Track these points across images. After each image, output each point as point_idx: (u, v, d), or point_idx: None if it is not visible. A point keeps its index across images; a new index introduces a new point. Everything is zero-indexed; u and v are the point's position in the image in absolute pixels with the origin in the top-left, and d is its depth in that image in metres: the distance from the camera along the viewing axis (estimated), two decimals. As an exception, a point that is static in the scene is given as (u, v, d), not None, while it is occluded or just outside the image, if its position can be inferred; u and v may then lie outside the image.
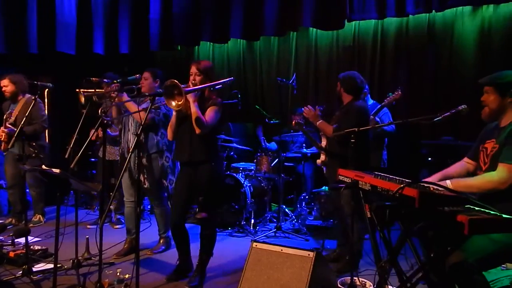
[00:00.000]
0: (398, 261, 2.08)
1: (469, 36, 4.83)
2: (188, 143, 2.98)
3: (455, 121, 4.64)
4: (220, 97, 3.07)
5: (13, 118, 4.36)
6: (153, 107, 3.42)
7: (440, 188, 1.82)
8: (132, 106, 3.44)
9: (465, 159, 2.44)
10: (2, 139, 4.35)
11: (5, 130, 4.28)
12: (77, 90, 3.34)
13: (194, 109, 2.85)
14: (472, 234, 1.54)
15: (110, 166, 4.51)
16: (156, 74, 3.64)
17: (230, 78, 3.17)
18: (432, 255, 1.92)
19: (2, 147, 4.43)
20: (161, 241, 3.84)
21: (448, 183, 2.14)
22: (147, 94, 3.45)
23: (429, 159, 4.29)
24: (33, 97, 4.59)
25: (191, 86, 2.99)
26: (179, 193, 3.09)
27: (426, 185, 1.88)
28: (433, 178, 2.31)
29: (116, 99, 3.37)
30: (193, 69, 3.00)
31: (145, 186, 3.59)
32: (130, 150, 3.01)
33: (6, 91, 4.46)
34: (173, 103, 2.71)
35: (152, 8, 5.86)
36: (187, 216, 3.19)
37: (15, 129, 4.24)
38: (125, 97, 3.43)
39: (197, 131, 2.89)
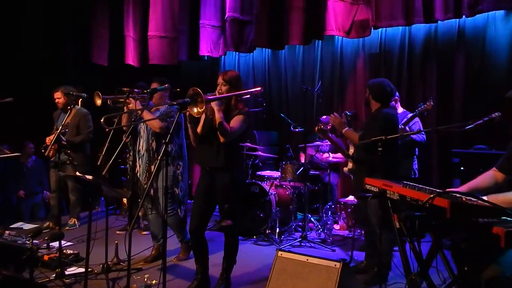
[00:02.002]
0: (429, 274, 2.02)
1: (502, 41, 4.68)
2: (210, 150, 3.01)
3: (489, 129, 4.48)
4: (246, 107, 3.09)
5: (63, 130, 4.53)
6: (165, 115, 3.49)
7: (473, 199, 1.76)
8: (154, 123, 3.50)
9: (493, 170, 2.34)
10: (51, 146, 4.53)
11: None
12: (96, 92, 3.46)
13: (218, 117, 2.88)
14: (509, 247, 1.48)
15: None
16: (164, 83, 3.65)
17: (257, 89, 3.18)
18: (465, 269, 1.86)
19: (51, 153, 4.62)
20: (183, 248, 3.87)
21: (484, 199, 2.06)
22: (175, 102, 3.51)
23: (462, 168, 4.15)
24: (85, 110, 4.82)
25: (217, 95, 3.03)
26: (198, 199, 3.10)
27: (458, 195, 1.82)
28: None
29: (137, 110, 3.45)
30: (220, 79, 3.04)
31: (151, 194, 3.63)
32: (158, 159, 3.07)
33: (59, 102, 4.73)
34: (195, 110, 2.74)
35: (180, 20, 6.02)
36: (207, 223, 3.18)
37: (64, 138, 4.43)
38: (148, 115, 3.50)
39: (221, 139, 2.91)
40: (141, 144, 3.66)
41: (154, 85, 3.65)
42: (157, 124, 3.49)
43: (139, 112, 3.42)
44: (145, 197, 3.63)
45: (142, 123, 3.63)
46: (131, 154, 3.66)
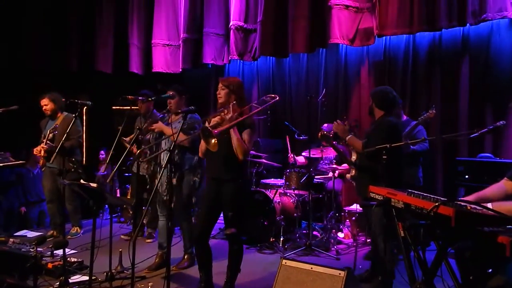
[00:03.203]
0: (434, 283, 2.01)
1: (507, 50, 4.65)
2: (218, 161, 3.02)
3: (494, 138, 4.46)
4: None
5: (51, 135, 4.56)
6: (188, 127, 3.48)
7: (478, 207, 1.75)
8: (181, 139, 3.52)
9: (504, 180, 2.31)
10: (41, 155, 4.54)
11: (45, 146, 4.47)
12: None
13: (235, 139, 2.88)
14: (515, 256, 1.47)
15: (143, 181, 4.61)
16: (181, 91, 3.69)
17: (275, 97, 3.13)
18: (470, 278, 1.84)
19: (41, 163, 4.63)
20: (185, 257, 3.85)
21: (489, 206, 2.04)
22: (180, 111, 3.53)
23: (466, 176, 4.12)
24: (73, 115, 4.85)
25: (222, 126, 2.97)
26: (204, 208, 3.11)
27: (463, 203, 1.81)
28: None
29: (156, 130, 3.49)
30: (219, 85, 3.08)
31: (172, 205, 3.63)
32: (163, 167, 3.08)
33: (47, 109, 4.69)
34: (212, 142, 2.74)
35: (184, 28, 6.08)
36: (211, 231, 3.18)
37: (53, 145, 4.43)
38: (168, 130, 3.53)
39: (240, 157, 2.92)
40: (161, 156, 3.66)
41: (172, 94, 3.66)
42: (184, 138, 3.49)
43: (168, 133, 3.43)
44: (163, 206, 3.63)
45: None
46: (135, 162, 3.67)
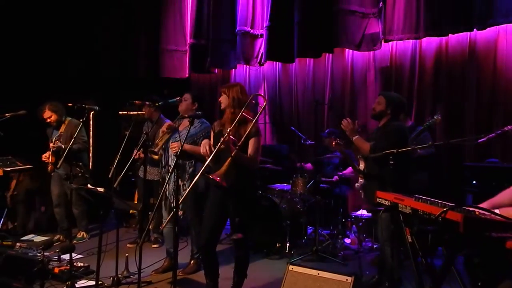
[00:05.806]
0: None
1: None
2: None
3: (501, 143, 4.42)
4: (252, 112, 3.13)
5: (58, 142, 4.58)
6: (205, 137, 3.48)
7: (487, 213, 1.73)
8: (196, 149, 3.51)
9: None
10: (49, 161, 4.58)
11: (54, 146, 4.48)
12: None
13: (244, 163, 2.92)
14: (523, 262, 1.46)
15: (149, 186, 4.63)
16: (196, 97, 3.72)
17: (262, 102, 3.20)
18: (479, 284, 1.82)
19: (49, 168, 4.67)
20: (191, 262, 3.84)
21: (497, 212, 2.01)
22: (186, 115, 3.53)
23: (474, 182, 4.09)
24: (77, 120, 4.88)
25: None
26: (209, 214, 3.09)
27: (471, 209, 1.80)
28: None
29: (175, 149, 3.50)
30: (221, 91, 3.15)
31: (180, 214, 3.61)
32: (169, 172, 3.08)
33: (51, 121, 4.71)
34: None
35: (191, 33, 6.13)
36: (218, 238, 3.17)
37: (61, 146, 4.46)
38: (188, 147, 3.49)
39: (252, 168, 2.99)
40: (170, 162, 3.65)
41: (186, 96, 3.71)
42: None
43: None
44: (177, 211, 3.61)
45: (172, 139, 3.60)
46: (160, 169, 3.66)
